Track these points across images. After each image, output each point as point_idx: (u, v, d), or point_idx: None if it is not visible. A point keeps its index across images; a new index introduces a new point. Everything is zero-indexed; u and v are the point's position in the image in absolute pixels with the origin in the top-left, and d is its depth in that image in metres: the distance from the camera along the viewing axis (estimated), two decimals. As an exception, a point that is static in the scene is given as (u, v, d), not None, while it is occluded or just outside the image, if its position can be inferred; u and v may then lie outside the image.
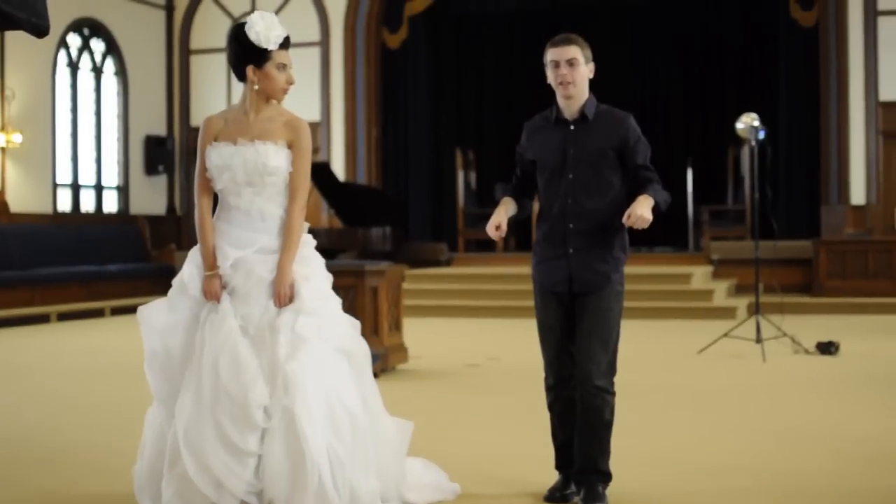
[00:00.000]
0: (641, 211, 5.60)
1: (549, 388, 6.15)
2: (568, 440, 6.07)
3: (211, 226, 5.69)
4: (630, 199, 5.83)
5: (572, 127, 5.96)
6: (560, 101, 5.98)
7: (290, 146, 5.67)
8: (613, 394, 5.89)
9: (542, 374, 6.13)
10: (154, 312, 5.72)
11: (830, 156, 20.49)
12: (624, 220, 5.64)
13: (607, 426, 5.88)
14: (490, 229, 6.06)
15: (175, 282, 5.76)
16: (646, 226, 5.59)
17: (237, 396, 5.36)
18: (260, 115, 5.70)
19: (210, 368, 5.42)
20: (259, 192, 5.63)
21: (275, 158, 5.60)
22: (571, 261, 5.89)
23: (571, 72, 5.84)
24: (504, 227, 6.04)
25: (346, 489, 5.40)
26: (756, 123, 13.13)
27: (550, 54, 5.93)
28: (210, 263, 5.61)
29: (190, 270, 5.68)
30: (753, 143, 13.33)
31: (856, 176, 20.24)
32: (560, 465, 6.16)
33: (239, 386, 5.36)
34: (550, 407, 6.18)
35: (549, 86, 5.96)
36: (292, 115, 5.78)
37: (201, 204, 5.74)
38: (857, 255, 18.61)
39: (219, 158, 5.64)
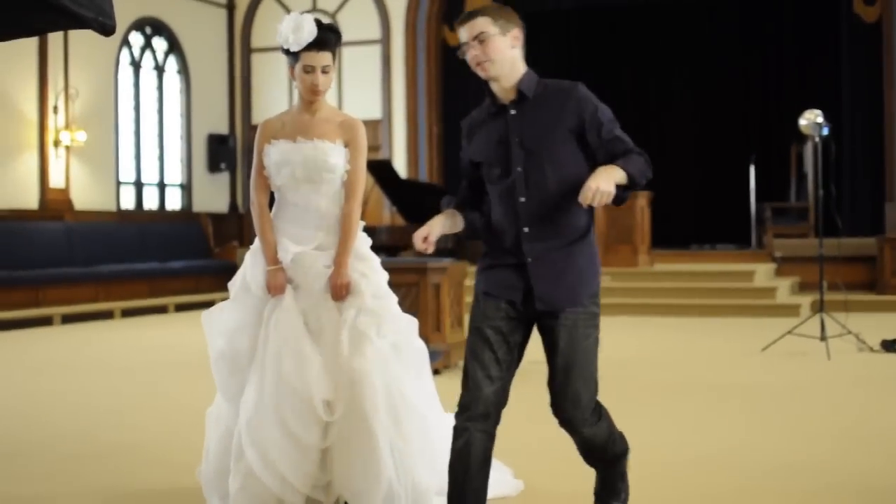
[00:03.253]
0: (598, 182, 4.58)
1: (459, 424, 4.91)
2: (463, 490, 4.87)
3: (270, 221, 5.77)
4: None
5: (513, 112, 4.93)
6: (491, 85, 4.99)
7: (346, 145, 5.73)
8: (600, 420, 5.10)
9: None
10: (219, 315, 5.78)
11: (894, 152, 20.33)
12: (580, 199, 4.58)
13: (618, 454, 5.24)
14: (417, 240, 4.94)
15: (235, 282, 5.82)
16: (608, 200, 4.59)
17: (301, 391, 5.40)
18: (317, 116, 5.78)
19: (273, 363, 5.47)
20: (317, 188, 5.69)
21: (333, 156, 5.67)
22: (530, 272, 4.87)
23: (483, 48, 4.83)
24: (432, 238, 4.94)
25: (409, 483, 5.44)
26: (820, 120, 13.03)
27: (459, 35, 4.96)
28: (272, 258, 5.68)
29: (253, 271, 5.75)
30: (817, 139, 13.23)
31: (920, 172, 20.10)
32: None
33: (303, 380, 5.41)
34: (455, 446, 4.90)
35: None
36: (347, 116, 5.86)
37: (259, 201, 5.81)
38: (922, 252, 18.46)
39: (279, 155, 5.71)
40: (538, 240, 4.85)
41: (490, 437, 4.91)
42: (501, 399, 4.98)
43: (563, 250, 4.86)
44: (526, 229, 4.85)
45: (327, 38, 5.67)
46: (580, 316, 4.91)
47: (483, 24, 4.86)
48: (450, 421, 5.92)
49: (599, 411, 5.08)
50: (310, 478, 5.43)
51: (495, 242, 4.99)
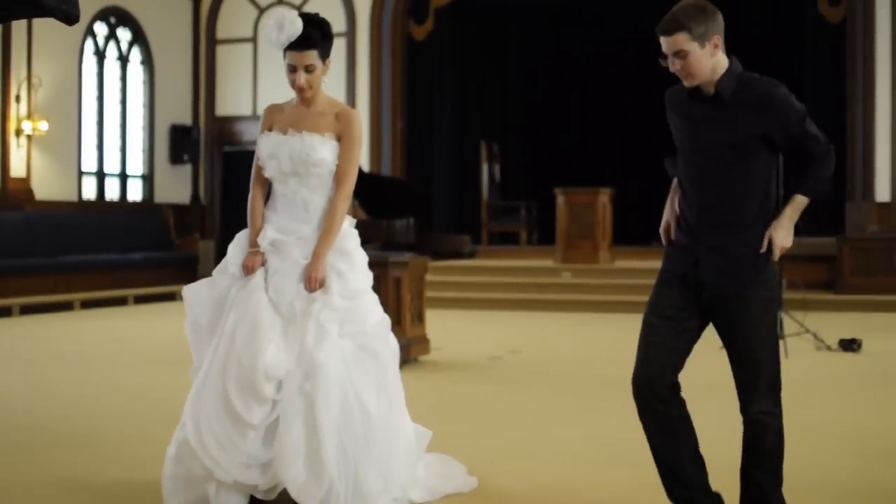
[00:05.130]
0: (779, 237, 4.98)
1: (638, 397, 5.14)
2: (674, 466, 5.26)
3: (261, 209, 5.86)
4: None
5: (710, 105, 5.03)
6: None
7: (339, 138, 5.76)
8: (777, 414, 5.21)
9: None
10: (196, 290, 5.81)
11: (856, 152, 20.42)
12: (763, 249, 4.95)
13: (774, 452, 5.24)
14: (662, 232, 5.23)
15: (220, 263, 5.88)
16: (788, 248, 5.00)
17: (247, 363, 5.43)
18: (312, 109, 5.82)
19: (227, 337, 5.52)
20: (303, 181, 5.73)
21: (320, 150, 5.70)
22: (700, 253, 5.02)
23: (684, 65, 4.95)
24: (674, 227, 5.18)
25: (350, 483, 5.46)
26: (781, 119, 13.09)
27: (660, 40, 5.01)
28: (253, 242, 5.76)
29: (233, 251, 5.84)
30: (778, 138, 13.29)
31: (881, 173, 20.16)
32: (672, 495, 5.33)
33: (250, 352, 5.45)
34: (643, 422, 5.21)
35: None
36: (344, 107, 5.89)
37: (254, 189, 5.90)
38: (881, 252, 18.52)
39: (268, 147, 5.79)
40: (710, 229, 5.02)
41: (670, 410, 5.21)
42: (669, 375, 5.18)
43: (731, 241, 5.01)
44: (695, 217, 5.04)
45: (311, 36, 5.65)
46: (751, 297, 5.04)
47: (682, 40, 4.89)
48: (412, 428, 5.95)
49: (778, 410, 5.22)
50: (242, 456, 5.44)
51: (678, 217, 5.19)
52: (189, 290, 5.82)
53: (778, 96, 4.95)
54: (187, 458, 5.48)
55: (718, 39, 4.93)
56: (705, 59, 4.91)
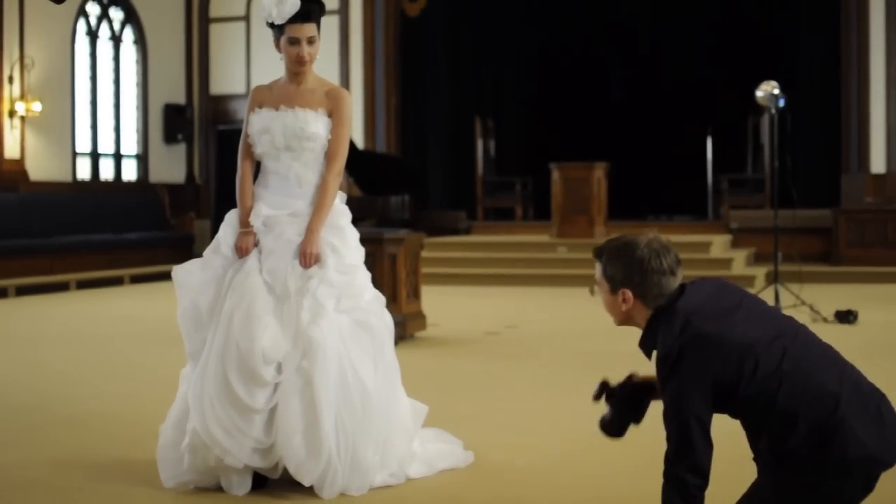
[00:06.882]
0: None
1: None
2: None
3: (250, 187, 5.89)
4: None
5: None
6: None
7: (330, 115, 5.79)
8: None
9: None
10: (187, 271, 5.83)
11: (850, 124, 20.40)
12: None
13: None
14: None
15: (212, 243, 5.87)
16: None
17: (245, 349, 5.44)
18: (302, 86, 5.87)
19: (224, 324, 5.52)
20: (297, 156, 5.78)
21: (314, 125, 5.76)
22: None
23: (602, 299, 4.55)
24: None
25: (348, 458, 5.47)
26: (776, 91, 13.09)
27: None
28: (245, 221, 5.78)
29: (224, 231, 5.85)
30: (773, 111, 13.29)
31: (876, 144, 20.14)
32: None
33: (248, 337, 5.45)
34: None
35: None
36: (334, 86, 5.98)
37: (243, 167, 5.94)
38: (877, 223, 18.54)
39: (260, 122, 5.84)
40: None
41: None
42: None
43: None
44: None
45: (311, 9, 5.75)
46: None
47: (597, 274, 4.45)
48: (408, 403, 5.97)
49: None
50: (250, 441, 5.47)
51: None
52: (181, 272, 5.83)
53: (659, 355, 4.33)
54: (201, 449, 5.49)
55: (630, 293, 4.37)
56: (616, 305, 4.46)
